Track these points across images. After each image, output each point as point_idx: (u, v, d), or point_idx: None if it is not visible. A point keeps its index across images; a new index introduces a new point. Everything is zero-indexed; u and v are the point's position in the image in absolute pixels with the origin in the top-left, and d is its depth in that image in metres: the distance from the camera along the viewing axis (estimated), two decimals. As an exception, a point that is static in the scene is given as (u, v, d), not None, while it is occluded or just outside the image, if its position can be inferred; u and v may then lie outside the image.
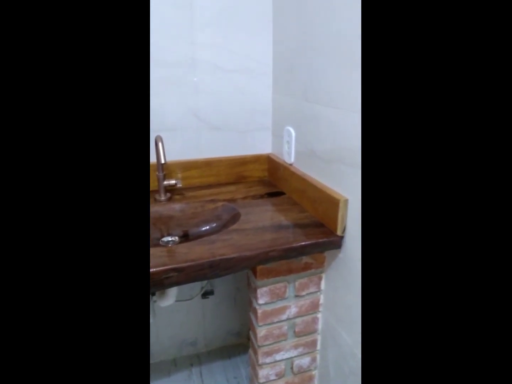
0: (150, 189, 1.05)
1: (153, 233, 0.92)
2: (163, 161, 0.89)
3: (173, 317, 1.22)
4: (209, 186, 1.10)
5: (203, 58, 1.01)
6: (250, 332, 0.95)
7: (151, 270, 0.68)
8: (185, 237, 0.93)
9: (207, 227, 0.94)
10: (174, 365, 1.25)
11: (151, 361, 1.26)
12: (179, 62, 0.99)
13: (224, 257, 0.71)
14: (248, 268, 0.81)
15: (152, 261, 0.70)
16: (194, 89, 1.03)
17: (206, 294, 1.20)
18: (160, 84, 1.00)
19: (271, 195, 1.04)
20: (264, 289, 0.83)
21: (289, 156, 1.00)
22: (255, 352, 0.92)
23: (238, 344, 1.34)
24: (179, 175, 1.08)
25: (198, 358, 1.28)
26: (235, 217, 0.90)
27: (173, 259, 0.71)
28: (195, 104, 1.05)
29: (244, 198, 1.01)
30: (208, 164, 1.10)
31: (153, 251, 0.76)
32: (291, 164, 1.01)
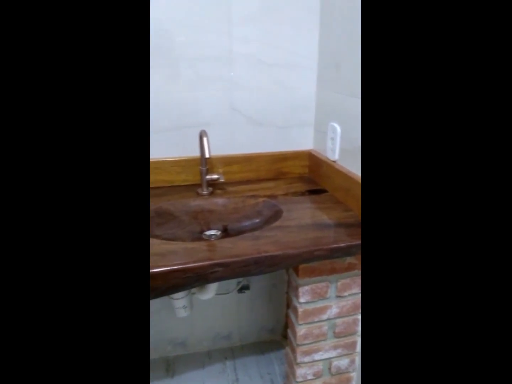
0: (193, 183, 1.06)
1: (195, 227, 0.93)
2: (207, 156, 0.89)
3: (209, 310, 1.24)
4: (249, 181, 1.10)
5: (244, 52, 1.00)
6: (289, 331, 0.94)
7: (196, 264, 0.68)
8: (226, 232, 0.93)
9: (248, 223, 0.93)
10: (208, 357, 1.27)
11: (186, 352, 1.28)
12: (219, 57, 0.99)
13: (269, 254, 0.71)
14: (292, 266, 0.81)
15: (197, 255, 0.71)
16: (235, 84, 1.02)
17: (242, 289, 1.20)
18: (202, 79, 1.00)
19: (313, 192, 1.02)
20: (306, 288, 0.82)
21: (333, 153, 0.97)
22: (293, 351, 0.91)
23: (272, 340, 1.33)
24: (220, 170, 1.08)
25: (232, 352, 1.29)
26: (277, 214, 0.90)
27: (217, 254, 0.71)
28: (236, 99, 1.04)
29: (285, 194, 1.00)
30: (248, 159, 1.10)
31: (197, 245, 0.77)
32: (335, 161, 0.98)
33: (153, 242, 0.76)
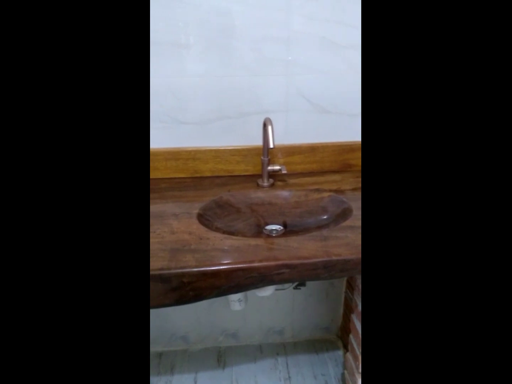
0: (253, 173, 1.01)
1: (255, 220, 0.88)
2: (271, 145, 0.83)
3: (263, 304, 1.20)
4: (312, 173, 1.02)
5: (311, 32, 0.91)
6: (351, 336, 0.88)
7: (262, 263, 0.63)
8: (288, 227, 0.87)
9: (312, 219, 0.87)
10: (260, 351, 1.24)
11: (237, 343, 1.26)
12: (282, 38, 0.91)
13: (341, 258, 0.64)
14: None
15: (262, 254, 0.66)
16: (301, 68, 0.94)
17: (298, 285, 1.15)
18: (264, 63, 0.93)
19: (383, 188, 0.93)
20: (376, 294, 0.74)
21: (411, 145, 0.87)
22: (356, 359, 0.84)
23: (326, 339, 1.28)
24: (281, 160, 1.02)
25: (284, 348, 1.25)
26: (345, 212, 0.82)
27: (284, 254, 0.66)
28: (302, 84, 0.96)
29: (354, 189, 0.92)
30: (312, 149, 1.02)
31: (260, 241, 0.72)
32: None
33: (215, 235, 0.72)
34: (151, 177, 1.00)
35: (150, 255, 0.66)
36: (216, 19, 0.88)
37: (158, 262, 0.63)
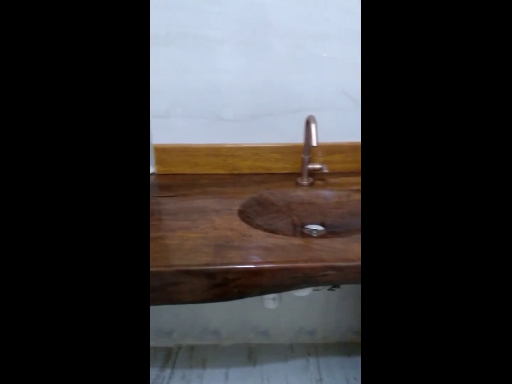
0: (291, 172, 1.00)
1: (295, 219, 0.88)
2: (314, 144, 0.82)
3: (295, 303, 1.19)
4: (353, 173, 1.00)
5: (354, 28, 0.88)
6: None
7: (308, 264, 0.62)
8: (327, 228, 0.86)
9: (355, 221, 0.85)
10: (291, 350, 1.23)
11: (267, 341, 1.26)
12: (325, 33, 0.89)
13: (389, 261, 0.62)
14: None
15: (307, 254, 0.65)
16: (340, 64, 0.92)
17: (333, 287, 1.13)
18: (306, 59, 0.91)
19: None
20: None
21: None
22: (395, 365, 0.82)
23: (358, 343, 1.25)
24: (321, 159, 1.00)
25: (315, 348, 1.24)
26: (390, 213, 0.80)
27: (330, 255, 0.64)
28: (343, 80, 0.94)
29: (397, 191, 0.89)
30: (354, 148, 1.00)
31: (304, 241, 0.71)
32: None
33: (258, 233, 0.72)
34: (192, 172, 1.01)
35: (195, 250, 0.66)
36: (253, 14, 0.88)
37: (203, 258, 0.64)
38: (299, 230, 0.84)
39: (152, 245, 0.68)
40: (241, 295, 0.64)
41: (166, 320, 1.22)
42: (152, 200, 0.88)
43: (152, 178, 1.01)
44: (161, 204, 0.86)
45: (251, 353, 1.22)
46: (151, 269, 0.62)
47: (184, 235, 0.71)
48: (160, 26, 0.88)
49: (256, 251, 0.65)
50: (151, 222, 0.77)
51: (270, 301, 1.05)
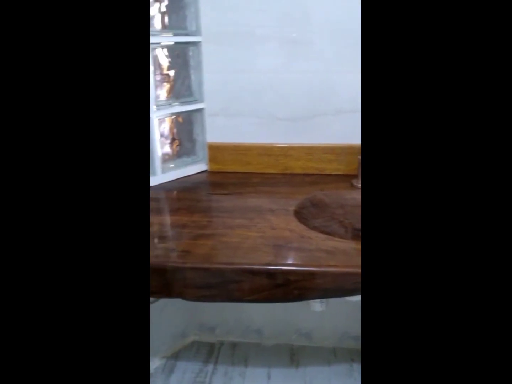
0: (344, 173, 0.98)
1: (349, 222, 0.86)
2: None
3: (342, 307, 1.17)
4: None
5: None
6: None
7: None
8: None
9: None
10: (334, 355, 1.21)
11: (310, 344, 1.24)
12: None
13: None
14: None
15: (370, 259, 0.63)
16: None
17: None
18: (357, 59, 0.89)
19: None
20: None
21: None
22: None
23: (404, 352, 1.21)
24: (376, 161, 0.98)
25: (358, 354, 1.21)
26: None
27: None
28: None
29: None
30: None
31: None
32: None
33: (317, 235, 0.71)
34: (243, 170, 1.02)
35: (255, 249, 0.66)
36: (308, 13, 0.86)
37: (263, 257, 0.64)
38: (356, 234, 0.82)
39: (211, 242, 0.69)
40: (300, 297, 0.63)
41: (209, 316, 1.24)
42: (206, 197, 0.89)
43: (204, 176, 1.03)
44: (216, 201, 0.86)
45: (293, 355, 1.21)
46: (212, 265, 0.63)
47: (243, 233, 0.71)
48: (213, 25, 0.89)
49: (318, 253, 0.64)
50: (209, 219, 0.78)
51: (317, 303, 1.04)
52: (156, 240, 0.70)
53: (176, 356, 1.21)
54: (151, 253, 0.66)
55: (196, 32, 0.90)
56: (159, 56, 0.89)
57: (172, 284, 0.64)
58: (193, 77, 0.95)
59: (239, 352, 1.22)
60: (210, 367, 1.17)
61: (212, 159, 1.02)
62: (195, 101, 0.96)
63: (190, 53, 0.93)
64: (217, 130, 1.00)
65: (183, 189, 0.94)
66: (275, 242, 0.68)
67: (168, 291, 0.65)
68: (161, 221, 0.78)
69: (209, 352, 1.23)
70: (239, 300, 0.65)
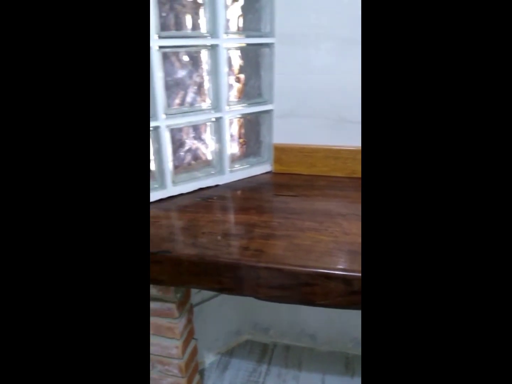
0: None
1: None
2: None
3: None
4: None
5: None
6: None
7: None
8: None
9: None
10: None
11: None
12: None
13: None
14: None
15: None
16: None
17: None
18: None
19: None
20: None
21: None
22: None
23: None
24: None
25: (418, 370, 1.15)
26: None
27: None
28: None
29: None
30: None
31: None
32: None
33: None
34: (308, 173, 1.01)
35: (328, 253, 0.65)
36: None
37: (339, 262, 0.62)
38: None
39: (283, 243, 0.69)
40: (376, 305, 0.61)
41: (264, 316, 1.24)
42: (273, 198, 0.90)
43: (268, 176, 1.03)
44: (284, 202, 0.86)
45: (348, 363, 1.18)
46: (286, 267, 0.63)
47: (314, 236, 0.70)
48: (286, 27, 0.89)
49: (396, 261, 0.62)
50: (278, 220, 0.78)
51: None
52: (228, 238, 0.71)
53: (230, 353, 1.23)
54: (224, 250, 0.67)
55: (270, 34, 0.91)
56: (232, 57, 0.90)
57: (245, 282, 0.65)
58: (264, 78, 0.96)
59: (293, 355, 1.21)
60: (263, 367, 1.18)
61: (277, 160, 1.03)
62: (264, 102, 0.97)
63: (263, 55, 0.94)
64: (284, 132, 1.00)
65: (249, 189, 0.95)
66: (349, 248, 0.66)
67: (240, 289, 0.66)
68: (231, 219, 0.79)
69: (263, 352, 1.23)
70: (311, 303, 0.65)
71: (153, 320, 0.86)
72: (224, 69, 0.86)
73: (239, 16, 0.89)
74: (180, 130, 0.88)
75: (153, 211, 0.83)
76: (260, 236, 0.72)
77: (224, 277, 0.66)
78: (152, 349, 0.89)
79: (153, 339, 0.88)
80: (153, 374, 0.93)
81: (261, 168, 1.04)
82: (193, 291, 0.97)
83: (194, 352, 0.94)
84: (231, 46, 0.87)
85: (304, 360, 1.20)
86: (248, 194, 0.92)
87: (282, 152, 1.02)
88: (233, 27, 0.88)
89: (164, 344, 0.87)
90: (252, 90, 0.96)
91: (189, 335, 0.91)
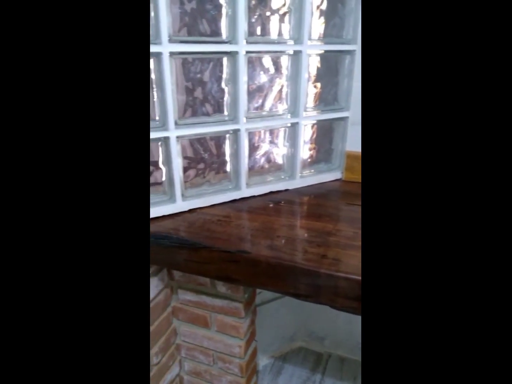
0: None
1: None
2: None
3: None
4: None
5: None
6: None
7: None
8: None
9: None
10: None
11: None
12: None
13: None
14: None
15: None
16: None
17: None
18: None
19: None
20: None
21: None
22: None
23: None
24: None
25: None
26: None
27: None
28: None
29: None
30: None
31: None
32: None
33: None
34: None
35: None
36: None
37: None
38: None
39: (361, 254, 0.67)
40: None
41: (320, 325, 1.23)
42: (345, 207, 0.88)
43: (338, 184, 1.02)
44: (357, 212, 0.85)
45: None
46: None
47: (395, 249, 0.68)
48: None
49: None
50: (354, 230, 0.76)
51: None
52: (304, 243, 0.71)
53: (283, 358, 1.23)
54: (301, 256, 0.67)
55: (353, 41, 0.90)
56: (311, 63, 0.91)
57: (323, 290, 0.64)
58: (341, 85, 0.95)
59: (348, 368, 1.19)
60: (317, 376, 1.16)
61: (348, 168, 1.01)
62: (341, 109, 0.96)
63: (343, 61, 0.93)
64: (357, 140, 0.98)
65: (319, 196, 0.94)
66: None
67: (317, 296, 0.65)
68: (306, 225, 0.79)
69: (317, 361, 1.21)
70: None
71: (218, 317, 0.88)
72: (305, 75, 0.86)
73: (322, 23, 0.89)
74: (256, 133, 0.90)
75: (226, 211, 0.85)
76: (336, 245, 0.71)
77: (300, 283, 0.66)
78: (215, 345, 0.92)
79: (217, 336, 0.90)
80: (213, 371, 0.96)
81: (330, 175, 1.03)
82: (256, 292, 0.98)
83: (255, 353, 0.95)
84: (313, 52, 0.88)
85: (359, 374, 1.17)
86: (318, 201, 0.91)
87: (354, 160, 1.00)
88: (315, 34, 0.88)
89: (228, 342, 0.89)
90: (328, 97, 0.96)
91: (251, 336, 0.93)
